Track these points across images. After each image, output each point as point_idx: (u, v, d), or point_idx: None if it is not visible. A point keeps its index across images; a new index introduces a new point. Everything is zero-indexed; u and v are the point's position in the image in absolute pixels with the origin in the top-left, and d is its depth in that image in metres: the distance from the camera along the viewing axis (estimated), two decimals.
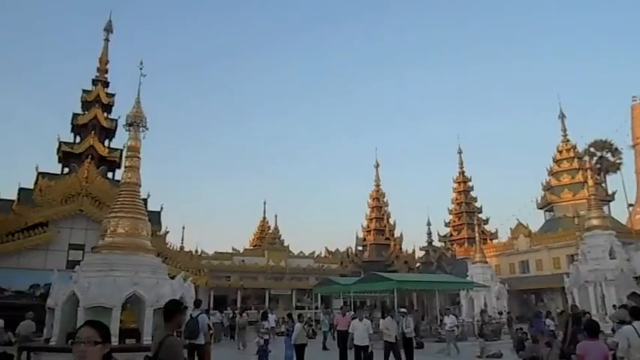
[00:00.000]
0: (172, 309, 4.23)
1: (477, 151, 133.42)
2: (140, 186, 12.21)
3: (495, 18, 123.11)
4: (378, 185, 56.62)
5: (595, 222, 26.56)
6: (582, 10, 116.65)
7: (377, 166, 56.92)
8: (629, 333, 6.47)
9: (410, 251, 52.42)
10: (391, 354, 11.83)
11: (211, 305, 32.87)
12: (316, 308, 35.23)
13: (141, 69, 12.39)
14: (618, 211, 61.26)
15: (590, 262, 24.95)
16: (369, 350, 11.65)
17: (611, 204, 49.06)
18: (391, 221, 55.13)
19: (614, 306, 20.27)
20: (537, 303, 40.80)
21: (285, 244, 46.89)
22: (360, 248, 53.49)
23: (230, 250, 43.30)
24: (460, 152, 61.54)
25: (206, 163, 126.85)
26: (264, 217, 56.29)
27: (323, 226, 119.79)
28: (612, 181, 54.56)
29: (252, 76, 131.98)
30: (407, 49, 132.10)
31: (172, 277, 11.79)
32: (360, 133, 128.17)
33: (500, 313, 31.34)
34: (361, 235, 54.60)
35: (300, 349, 12.40)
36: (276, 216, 48.22)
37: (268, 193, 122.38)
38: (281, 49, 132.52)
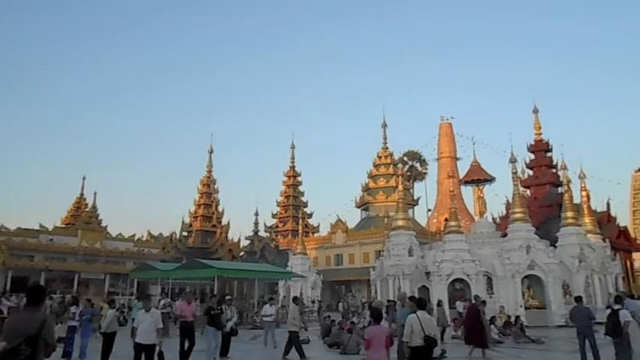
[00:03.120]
0: (42, 294, 4.79)
1: (310, 148, 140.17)
2: None
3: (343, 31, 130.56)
4: (210, 171, 55.99)
5: (400, 222, 29.93)
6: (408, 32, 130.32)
7: (211, 152, 56.28)
8: (412, 321, 7.39)
9: (236, 240, 53.04)
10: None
11: (8, 288, 29.24)
12: (131, 294, 33.56)
13: None
14: (420, 214, 70.09)
15: (392, 258, 28.08)
16: (157, 350, 9.05)
17: (415, 208, 56.32)
18: (220, 209, 55.00)
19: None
20: (346, 293, 44.67)
21: (104, 224, 43.50)
22: (185, 234, 52.33)
23: (37, 227, 38.83)
24: (293, 147, 63.98)
25: (16, 127, 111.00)
26: (82, 194, 51.36)
27: (149, 210, 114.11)
28: (418, 188, 62.37)
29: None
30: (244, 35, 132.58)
31: None
32: (197, 119, 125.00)
33: (313, 302, 33.75)
34: (188, 220, 53.44)
35: (109, 337, 11.75)
36: (95, 193, 44.46)
37: (89, 169, 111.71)
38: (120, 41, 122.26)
